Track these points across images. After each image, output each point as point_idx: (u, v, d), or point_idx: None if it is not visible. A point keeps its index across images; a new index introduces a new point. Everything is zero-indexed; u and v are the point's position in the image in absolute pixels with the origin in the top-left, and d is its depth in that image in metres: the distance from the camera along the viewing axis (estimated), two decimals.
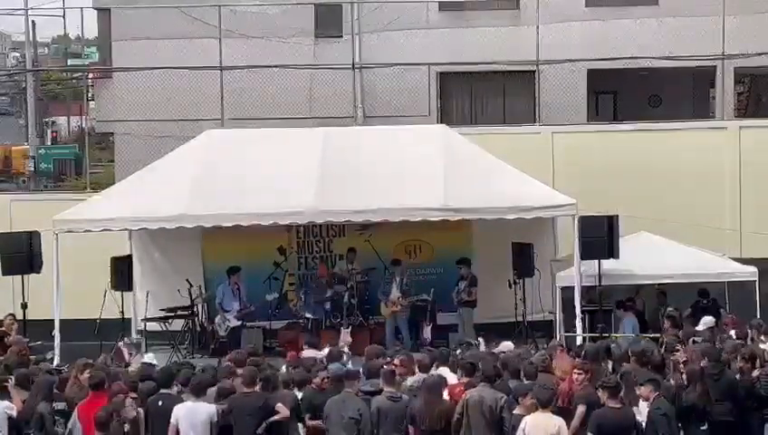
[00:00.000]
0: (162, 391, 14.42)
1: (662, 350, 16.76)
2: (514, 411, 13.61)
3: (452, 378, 15.16)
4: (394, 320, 21.97)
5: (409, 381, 15.05)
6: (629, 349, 16.02)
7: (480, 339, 18.79)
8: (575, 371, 14.40)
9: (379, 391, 14.38)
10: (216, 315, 22.24)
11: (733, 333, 17.91)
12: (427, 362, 15.46)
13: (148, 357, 17.47)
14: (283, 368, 16.29)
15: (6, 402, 14.46)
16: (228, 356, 16.72)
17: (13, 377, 14.99)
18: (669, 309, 20.23)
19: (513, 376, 14.65)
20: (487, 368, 14.46)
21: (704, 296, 21.44)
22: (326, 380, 14.75)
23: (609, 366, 15.41)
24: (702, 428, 14.48)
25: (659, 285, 21.65)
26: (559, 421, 13.17)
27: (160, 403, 14.22)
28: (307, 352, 17.51)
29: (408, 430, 14.10)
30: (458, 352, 17.09)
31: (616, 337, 19.48)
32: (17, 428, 14.43)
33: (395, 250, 22.94)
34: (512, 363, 15.05)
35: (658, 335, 18.92)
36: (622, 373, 14.88)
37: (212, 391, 14.48)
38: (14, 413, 14.37)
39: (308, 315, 22.26)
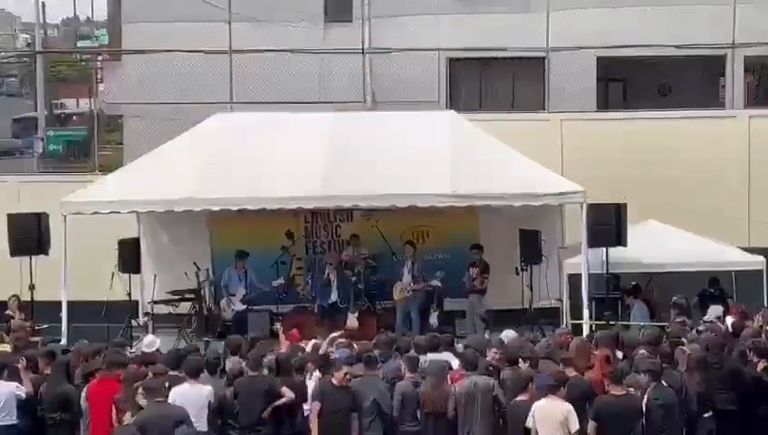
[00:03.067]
0: (170, 373, 14.48)
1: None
2: (518, 398, 13.65)
3: (455, 363, 15.23)
4: (405, 305, 21.97)
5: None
6: (640, 336, 16.01)
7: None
8: None
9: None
10: (221, 298, 22.28)
11: (729, 321, 17.85)
12: (424, 344, 15.54)
13: (148, 340, 17.43)
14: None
15: (15, 384, 14.50)
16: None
17: (24, 359, 15.02)
18: (675, 298, 20.19)
19: (511, 364, 14.67)
20: (468, 355, 14.50)
21: (713, 285, 21.36)
22: (347, 376, 14.57)
23: (620, 354, 15.39)
24: (705, 415, 14.49)
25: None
26: (567, 408, 13.20)
27: (167, 385, 14.27)
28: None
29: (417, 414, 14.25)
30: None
31: (625, 325, 19.46)
32: (32, 410, 14.45)
33: (402, 236, 22.90)
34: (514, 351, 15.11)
35: (666, 324, 18.90)
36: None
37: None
38: (23, 395, 14.41)
39: (317, 301, 22.21)
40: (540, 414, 13.17)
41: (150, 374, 14.09)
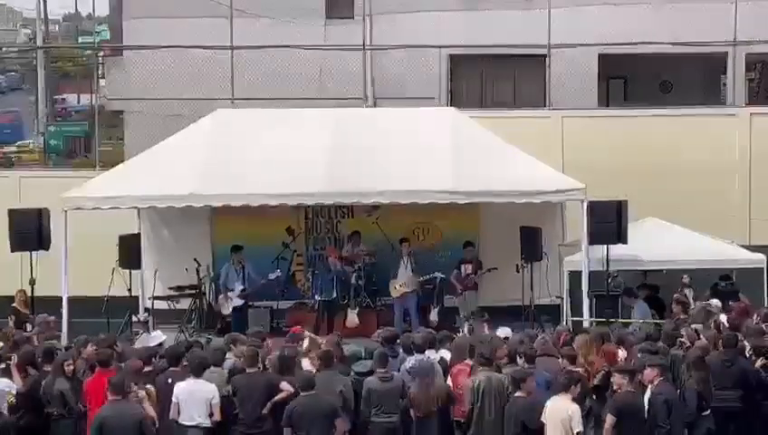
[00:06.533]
0: (171, 368, 14.50)
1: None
2: (516, 394, 13.70)
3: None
4: (403, 302, 21.97)
5: (408, 362, 15.11)
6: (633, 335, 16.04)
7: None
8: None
9: (371, 372, 14.60)
10: (221, 295, 22.27)
11: (723, 318, 17.84)
12: (420, 342, 15.53)
13: (154, 335, 17.42)
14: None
15: (6, 380, 14.48)
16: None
17: (16, 355, 14.99)
18: (676, 295, 20.18)
19: (511, 360, 14.69)
20: (485, 351, 14.51)
21: (724, 280, 21.24)
22: None
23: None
24: (704, 414, 14.49)
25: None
26: (573, 408, 13.25)
27: (169, 381, 14.30)
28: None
29: (408, 411, 14.28)
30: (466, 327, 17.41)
31: (624, 323, 19.47)
32: (33, 407, 14.43)
33: (403, 232, 22.89)
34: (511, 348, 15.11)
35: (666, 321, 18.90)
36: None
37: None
38: (14, 391, 14.39)
39: (318, 298, 22.21)
40: (549, 412, 13.35)
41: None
